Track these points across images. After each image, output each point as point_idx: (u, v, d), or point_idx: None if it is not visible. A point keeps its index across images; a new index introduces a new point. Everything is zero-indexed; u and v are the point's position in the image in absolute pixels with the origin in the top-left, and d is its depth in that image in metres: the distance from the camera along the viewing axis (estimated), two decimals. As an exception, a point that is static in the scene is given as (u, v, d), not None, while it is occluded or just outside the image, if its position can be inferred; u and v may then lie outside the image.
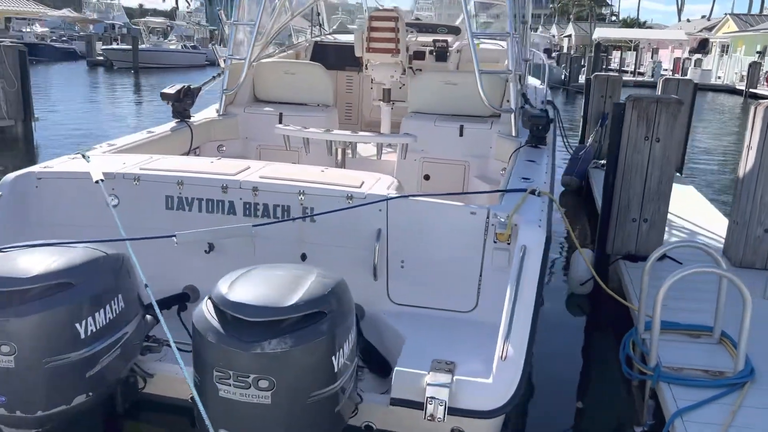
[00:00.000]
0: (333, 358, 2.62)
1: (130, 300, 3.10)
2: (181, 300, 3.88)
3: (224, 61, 6.65)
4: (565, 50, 52.34)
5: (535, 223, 3.59)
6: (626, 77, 30.75)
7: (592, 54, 30.55)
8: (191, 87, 6.25)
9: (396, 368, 3.15)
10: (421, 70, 7.99)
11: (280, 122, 6.61)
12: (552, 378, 4.59)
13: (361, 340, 3.65)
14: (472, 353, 3.32)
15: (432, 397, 3.00)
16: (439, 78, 6.45)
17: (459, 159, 6.16)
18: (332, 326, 2.63)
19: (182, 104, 6.15)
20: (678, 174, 9.21)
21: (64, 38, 44.33)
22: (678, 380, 3.37)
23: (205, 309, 2.67)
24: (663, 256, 5.34)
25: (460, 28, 9.01)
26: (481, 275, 3.81)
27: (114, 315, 2.96)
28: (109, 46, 38.20)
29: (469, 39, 5.82)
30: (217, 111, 6.66)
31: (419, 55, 8.03)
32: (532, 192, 4.10)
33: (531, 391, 4.39)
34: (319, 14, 9.45)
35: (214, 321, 2.59)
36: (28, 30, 43.58)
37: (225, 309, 2.58)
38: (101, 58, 37.41)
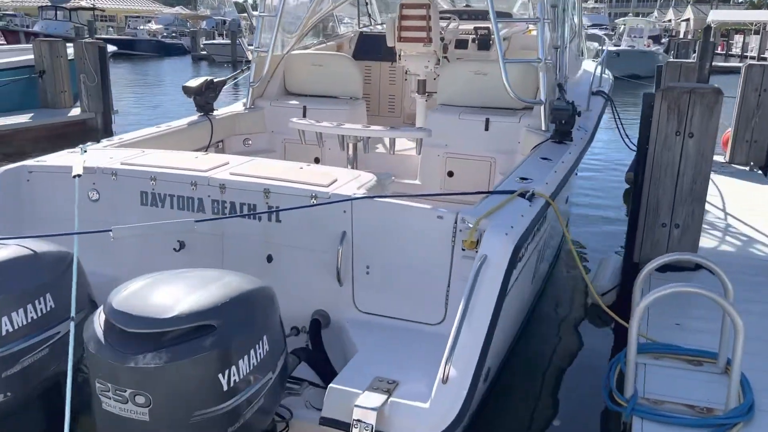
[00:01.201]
0: (221, 375, 2.43)
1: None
2: None
3: (251, 53, 6.60)
4: (681, 36, 49.17)
5: (503, 231, 3.23)
6: (719, 63, 28.44)
7: (701, 39, 28.36)
8: (214, 80, 6.24)
9: (330, 385, 2.93)
10: (462, 58, 7.61)
11: (304, 116, 6.48)
12: (534, 395, 4.21)
13: (308, 352, 3.44)
14: (427, 371, 3.04)
15: (358, 420, 2.76)
16: (469, 68, 6.08)
17: (484, 155, 5.79)
18: (220, 341, 2.43)
19: (204, 98, 6.15)
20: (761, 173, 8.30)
21: (174, 34, 46.64)
22: (654, 415, 2.92)
23: (97, 316, 2.56)
24: (697, 267, 4.75)
25: (510, 13, 8.51)
26: (449, 286, 3.50)
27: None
28: (210, 41, 39.81)
29: (493, 24, 5.41)
30: (244, 104, 6.62)
31: (462, 44, 7.64)
32: (522, 194, 3.72)
33: (507, 406, 4.04)
34: (367, 3, 9.22)
35: (99, 330, 2.47)
36: (143, 28, 46.20)
37: (108, 317, 2.46)
38: (204, 52, 39.05)
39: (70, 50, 12.40)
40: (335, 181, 3.80)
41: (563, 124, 5.05)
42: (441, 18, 7.86)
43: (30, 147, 10.02)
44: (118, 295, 2.50)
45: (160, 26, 48.31)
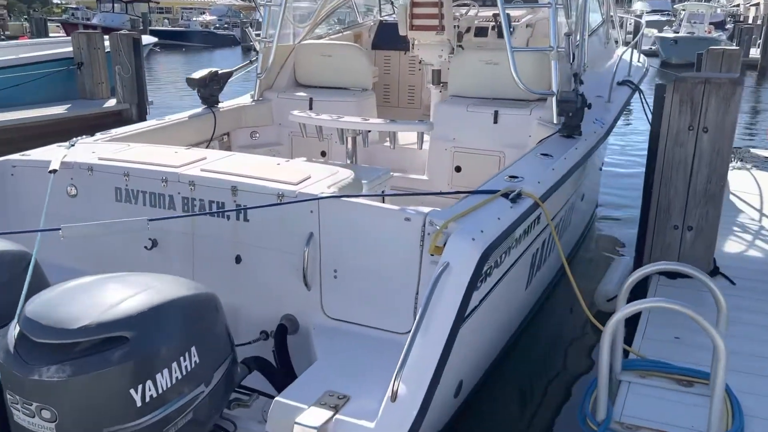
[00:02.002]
0: (134, 390, 2.28)
1: None
2: None
3: (258, 44, 6.46)
4: (750, 21, 46.84)
5: (468, 235, 2.98)
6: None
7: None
8: (219, 72, 6.13)
9: (276, 398, 2.76)
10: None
11: (310, 108, 6.32)
12: (514, 414, 3.94)
13: (261, 361, 3.27)
14: (384, 385, 2.83)
15: None
16: (479, 56, 5.79)
17: (493, 149, 5.51)
18: (132, 354, 2.28)
19: (209, 90, 6.05)
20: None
21: (227, 26, 47.22)
22: (624, 443, 2.64)
23: (14, 324, 2.45)
24: (714, 272, 4.38)
25: None
26: (417, 293, 3.27)
27: None
28: (257, 31, 40.19)
29: (500, 7, 5.12)
30: (252, 96, 6.50)
31: (482, 32, 7.31)
32: (506, 195, 3.46)
33: (483, 424, 3.78)
34: (388, -10, 8.98)
35: (12, 339, 2.35)
36: (196, 19, 46.93)
37: (20, 326, 2.34)
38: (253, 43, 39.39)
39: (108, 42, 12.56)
40: (307, 178, 3.62)
41: (570, 117, 4.72)
42: (460, 4, 7.56)
43: (65, 138, 10.19)
44: (35, 302, 2.38)
45: (214, 17, 48.93)
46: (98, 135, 5.00)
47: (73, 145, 4.43)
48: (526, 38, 7.23)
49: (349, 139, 5.25)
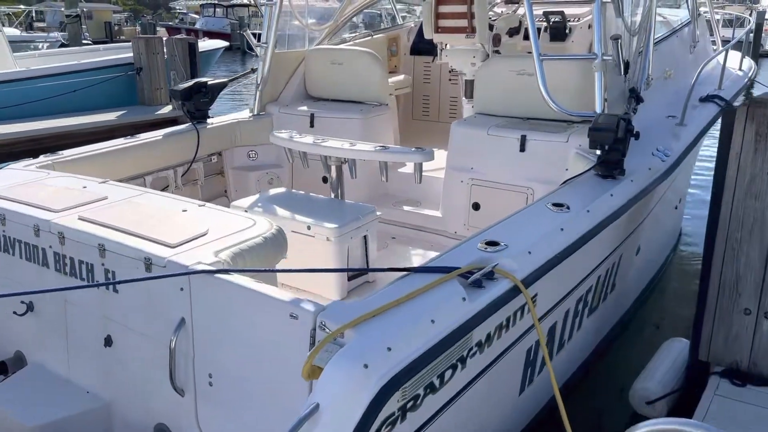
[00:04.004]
0: None
1: None
2: None
3: (259, 49, 5.59)
4: None
5: (358, 360, 1.92)
6: None
7: None
8: (208, 83, 5.31)
9: None
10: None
11: (312, 125, 5.38)
12: None
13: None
14: None
15: None
16: (510, 65, 4.63)
17: (519, 184, 4.34)
18: None
19: (194, 103, 5.24)
20: None
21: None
22: None
23: None
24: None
25: None
26: None
27: None
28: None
29: (526, 5, 3.97)
30: (251, 110, 5.64)
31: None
32: (466, 275, 2.37)
33: None
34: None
35: None
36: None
37: None
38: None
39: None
40: (199, 236, 2.67)
41: (607, 150, 3.50)
42: (507, 1, 6.37)
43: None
44: None
45: (313, 20, 49.18)
46: (42, 158, 4.29)
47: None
48: (588, 42, 5.95)
49: (333, 168, 4.27)
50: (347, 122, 5.21)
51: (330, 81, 5.62)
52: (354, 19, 7.00)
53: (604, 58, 3.92)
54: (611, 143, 3.44)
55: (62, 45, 19.33)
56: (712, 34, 7.20)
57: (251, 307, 2.25)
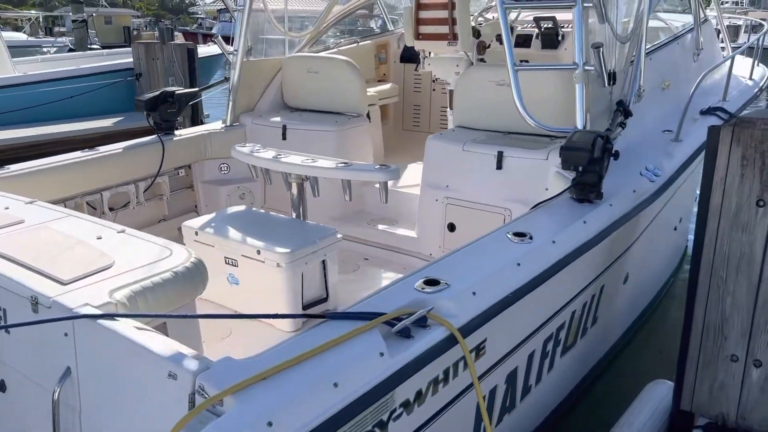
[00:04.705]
0: None
1: None
2: None
3: (232, 57, 5.31)
4: None
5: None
6: None
7: None
8: (176, 92, 5.04)
9: None
10: (527, 61, 5.71)
11: (284, 137, 5.08)
12: None
13: None
14: None
15: None
16: (490, 75, 4.30)
17: (495, 204, 4.00)
18: None
19: (160, 114, 4.97)
20: None
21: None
22: None
23: None
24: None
25: None
26: None
27: None
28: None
29: (499, 7, 3.63)
30: (223, 121, 5.37)
31: (524, 42, 5.72)
32: (393, 322, 2.05)
33: None
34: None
35: None
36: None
37: None
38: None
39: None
40: (102, 270, 2.37)
41: (581, 172, 3.14)
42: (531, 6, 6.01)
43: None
44: None
45: (297, 26, 49.18)
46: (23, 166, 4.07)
47: None
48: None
49: (294, 186, 3.97)
50: (321, 135, 4.90)
51: (306, 90, 5.32)
52: (350, 24, 6.72)
53: (586, 68, 3.57)
54: (585, 164, 3.08)
55: (71, 50, 19.30)
56: (723, 42, 6.78)
57: (132, 361, 1.94)
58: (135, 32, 42.42)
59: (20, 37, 20.17)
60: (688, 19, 5.76)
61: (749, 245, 2.56)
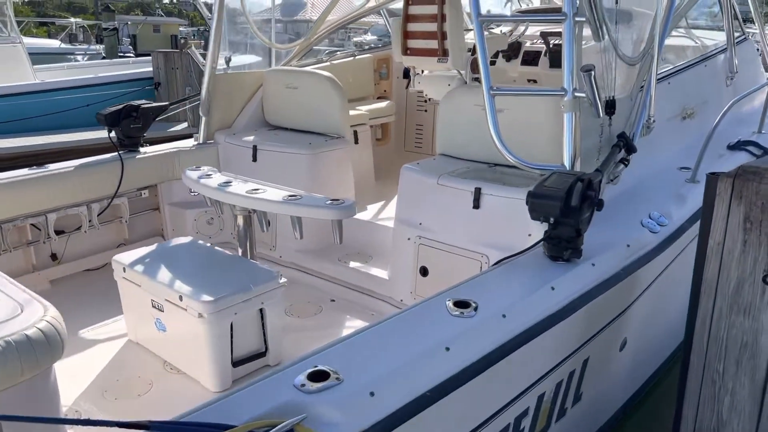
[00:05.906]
0: None
1: None
2: None
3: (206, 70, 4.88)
4: None
5: None
6: None
7: None
8: (142, 106, 4.63)
9: None
10: (536, 81, 5.14)
11: (254, 159, 4.62)
12: None
13: None
14: None
15: None
16: (476, 98, 3.73)
17: (471, 248, 3.43)
18: None
19: (122, 129, 4.58)
20: None
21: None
22: None
23: None
24: None
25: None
26: None
27: None
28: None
29: (474, 22, 3.05)
30: (195, 138, 4.95)
31: (533, 59, 5.14)
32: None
33: None
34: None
35: None
36: (358, 39, 47.23)
37: None
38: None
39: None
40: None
41: (554, 224, 2.55)
42: (513, 20, 5.47)
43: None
44: None
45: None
46: None
47: None
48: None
49: (240, 218, 3.50)
50: (292, 157, 4.42)
51: (285, 107, 4.86)
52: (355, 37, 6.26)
53: (576, 94, 2.98)
54: (558, 215, 2.49)
55: (104, 57, 19.38)
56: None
57: None
58: (182, 41, 43.15)
59: (53, 44, 20.41)
60: (721, 37, 5.10)
61: (753, 333, 1.96)
